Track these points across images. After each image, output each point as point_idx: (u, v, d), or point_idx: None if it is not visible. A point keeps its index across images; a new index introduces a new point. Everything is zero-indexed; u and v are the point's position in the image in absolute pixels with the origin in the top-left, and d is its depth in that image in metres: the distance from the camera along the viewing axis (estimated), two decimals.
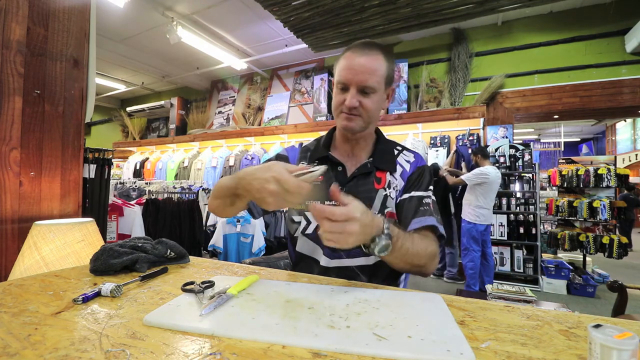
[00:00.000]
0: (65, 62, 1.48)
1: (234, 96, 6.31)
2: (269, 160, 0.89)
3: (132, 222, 2.74)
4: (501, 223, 3.75)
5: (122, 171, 6.55)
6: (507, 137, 3.99)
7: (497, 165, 3.68)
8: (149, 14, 4.15)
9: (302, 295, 0.60)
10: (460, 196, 3.59)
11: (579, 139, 11.88)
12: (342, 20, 3.60)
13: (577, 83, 3.81)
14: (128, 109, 7.30)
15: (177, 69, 6.06)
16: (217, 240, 2.87)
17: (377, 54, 0.80)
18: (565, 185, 4.13)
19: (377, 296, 0.61)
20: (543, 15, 4.01)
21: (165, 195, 3.37)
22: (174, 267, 0.84)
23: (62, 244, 1.10)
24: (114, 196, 2.94)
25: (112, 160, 2.50)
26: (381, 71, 0.80)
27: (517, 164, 3.79)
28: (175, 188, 3.76)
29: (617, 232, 3.88)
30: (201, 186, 4.01)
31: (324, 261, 0.84)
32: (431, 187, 0.89)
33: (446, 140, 4.23)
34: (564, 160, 4.38)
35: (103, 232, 2.14)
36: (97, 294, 0.59)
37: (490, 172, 3.13)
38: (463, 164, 3.75)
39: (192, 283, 0.63)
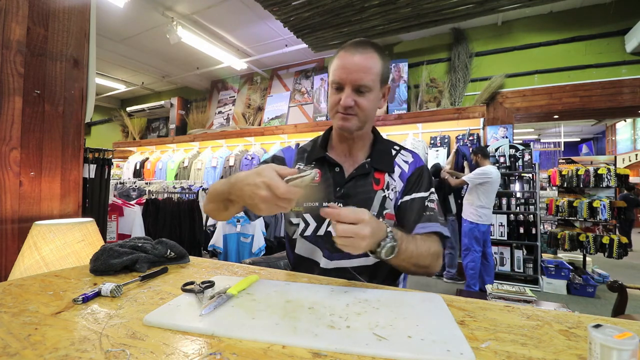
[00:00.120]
0: (65, 62, 1.48)
1: (234, 96, 6.31)
2: (265, 161, 0.89)
3: (132, 222, 2.74)
4: (501, 223, 3.75)
5: (122, 171, 6.55)
6: (507, 137, 3.99)
7: (497, 165, 3.68)
8: (149, 14, 4.15)
9: (302, 295, 0.60)
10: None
11: (579, 139, 11.88)
12: (342, 20, 3.60)
13: (577, 83, 3.81)
14: (128, 109, 7.30)
15: (177, 69, 6.06)
16: (217, 240, 2.87)
17: (371, 52, 0.79)
18: (565, 185, 4.14)
19: (377, 296, 0.61)
20: (543, 15, 4.01)
21: (165, 195, 3.37)
22: (174, 267, 0.83)
23: (62, 244, 1.10)
24: (114, 196, 2.94)
25: (112, 160, 2.50)
26: (376, 69, 0.79)
27: (517, 164, 3.79)
28: (175, 188, 3.76)
29: (617, 232, 3.88)
30: (201, 186, 4.00)
31: (324, 263, 0.84)
32: (432, 188, 0.89)
33: (446, 140, 4.23)
34: (564, 160, 4.38)
35: (103, 232, 2.14)
36: (97, 294, 0.59)
37: (492, 171, 3.15)
38: (465, 164, 3.75)
39: (192, 283, 0.63)
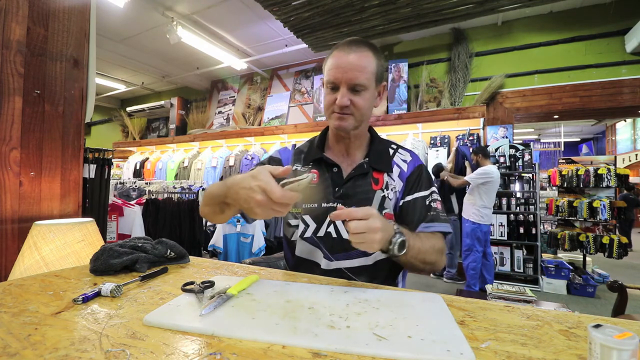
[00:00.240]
0: (65, 62, 1.48)
1: (234, 96, 6.32)
2: (261, 163, 0.88)
3: (132, 222, 2.73)
4: (501, 223, 3.75)
5: (122, 171, 6.55)
6: (507, 137, 3.99)
7: (497, 165, 3.69)
8: (149, 14, 4.15)
9: (302, 295, 0.60)
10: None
11: (579, 139, 11.88)
12: (342, 20, 3.60)
13: (577, 83, 3.81)
14: (128, 109, 7.30)
15: (177, 69, 6.06)
16: (217, 240, 2.87)
17: (366, 50, 0.79)
18: (565, 185, 4.14)
19: (377, 296, 0.61)
20: (543, 15, 4.01)
21: (165, 195, 3.37)
22: (174, 267, 0.83)
23: (62, 244, 1.10)
24: (114, 196, 2.94)
25: (112, 160, 2.50)
26: (371, 68, 0.79)
27: (517, 164, 3.79)
28: (175, 188, 3.76)
29: (617, 232, 3.88)
30: (201, 186, 4.01)
31: (325, 264, 0.83)
32: (433, 186, 0.89)
33: (446, 140, 4.23)
34: (564, 160, 4.38)
35: (103, 232, 2.14)
36: (97, 294, 0.59)
37: (493, 171, 3.16)
38: (467, 164, 3.74)
39: (192, 283, 0.63)
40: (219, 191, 0.69)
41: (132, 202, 2.90)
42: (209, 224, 3.50)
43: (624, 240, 3.64)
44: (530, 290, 2.46)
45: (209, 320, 0.48)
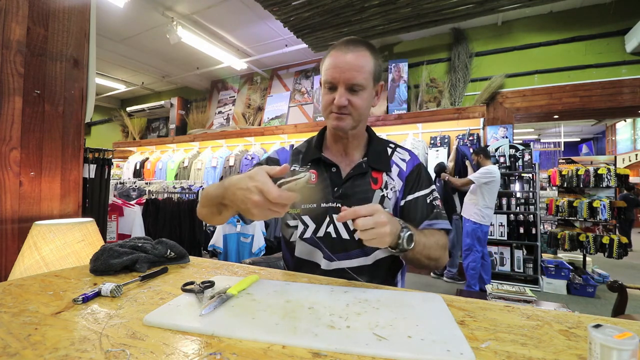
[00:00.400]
0: (65, 62, 1.48)
1: (234, 96, 6.32)
2: (259, 164, 0.88)
3: (132, 222, 2.74)
4: (501, 223, 3.75)
5: (122, 171, 6.55)
6: (507, 137, 3.99)
7: (497, 165, 3.69)
8: (149, 14, 4.15)
9: (302, 295, 0.60)
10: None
11: (579, 139, 11.88)
12: (342, 20, 3.60)
13: (577, 83, 3.81)
14: (128, 109, 7.30)
15: (177, 69, 6.06)
16: (217, 240, 2.87)
17: (363, 50, 0.79)
18: (565, 185, 4.14)
19: (377, 296, 0.61)
20: (543, 15, 4.01)
21: (165, 195, 3.37)
22: (174, 267, 0.83)
23: (62, 244, 1.10)
24: (114, 196, 2.94)
25: (112, 160, 2.50)
26: (368, 67, 0.79)
27: (517, 164, 3.80)
28: (175, 188, 3.76)
29: (617, 232, 3.88)
30: (201, 186, 4.01)
31: (325, 264, 0.83)
32: (432, 185, 0.89)
33: (446, 140, 4.23)
34: (564, 160, 4.38)
35: (103, 232, 2.14)
36: (97, 294, 0.59)
37: (495, 171, 3.17)
38: (468, 163, 3.74)
39: (192, 283, 0.63)
40: (216, 192, 0.69)
41: (132, 202, 2.91)
42: (209, 224, 3.49)
43: (624, 240, 3.64)
44: (530, 290, 2.46)
45: (209, 320, 0.48)
